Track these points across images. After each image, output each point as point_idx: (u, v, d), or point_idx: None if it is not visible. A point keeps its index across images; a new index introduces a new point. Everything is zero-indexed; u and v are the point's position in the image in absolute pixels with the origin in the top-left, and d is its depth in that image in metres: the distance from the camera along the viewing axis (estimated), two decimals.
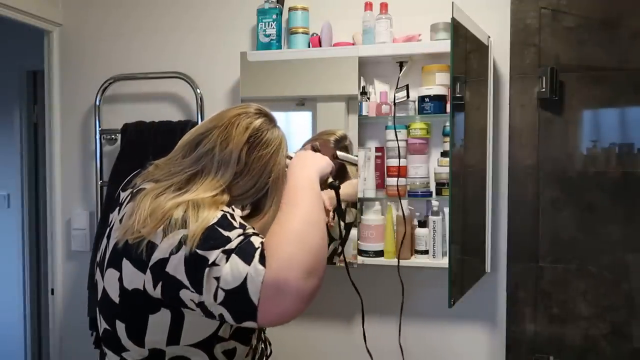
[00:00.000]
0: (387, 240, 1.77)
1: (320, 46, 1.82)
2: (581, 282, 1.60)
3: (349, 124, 1.78)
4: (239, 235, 0.85)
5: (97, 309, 1.00)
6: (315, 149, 1.22)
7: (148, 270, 0.87)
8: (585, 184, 1.61)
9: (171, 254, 0.84)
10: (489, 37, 1.71)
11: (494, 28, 1.71)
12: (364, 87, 1.81)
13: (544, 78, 1.58)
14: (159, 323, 0.91)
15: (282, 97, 1.88)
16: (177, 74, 2.00)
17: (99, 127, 2.09)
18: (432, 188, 1.78)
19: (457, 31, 1.47)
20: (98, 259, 1.02)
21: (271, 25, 1.83)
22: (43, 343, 2.97)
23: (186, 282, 0.83)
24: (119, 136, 2.06)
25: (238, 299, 0.81)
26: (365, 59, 1.77)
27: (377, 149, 1.83)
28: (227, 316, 0.84)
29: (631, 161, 1.59)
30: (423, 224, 1.76)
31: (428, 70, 1.74)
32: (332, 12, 1.87)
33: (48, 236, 2.22)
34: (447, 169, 1.69)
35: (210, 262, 0.82)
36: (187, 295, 0.85)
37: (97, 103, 2.07)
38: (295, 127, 1.86)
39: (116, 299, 0.93)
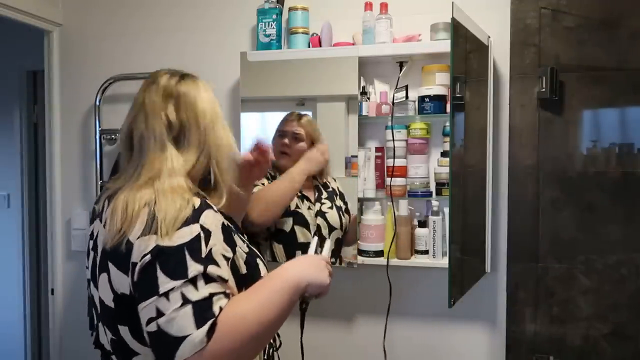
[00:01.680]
0: (387, 240, 1.77)
1: (320, 46, 1.82)
2: (581, 282, 1.60)
3: (349, 124, 1.78)
4: (204, 280, 0.85)
5: (100, 323, 0.98)
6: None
7: (129, 272, 0.88)
8: (585, 184, 1.61)
9: (140, 259, 0.86)
10: (489, 37, 1.71)
11: (494, 28, 1.71)
12: (364, 87, 1.81)
13: (544, 78, 1.58)
14: None
15: (282, 97, 1.88)
16: None
17: (99, 127, 2.09)
18: (432, 188, 1.78)
19: (457, 31, 1.47)
20: (89, 275, 1.00)
21: (271, 25, 1.83)
22: (43, 343, 2.97)
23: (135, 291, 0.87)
24: (119, 136, 2.06)
25: (163, 345, 0.83)
26: (365, 59, 1.77)
27: (377, 149, 1.83)
28: (148, 342, 0.87)
29: (631, 161, 1.59)
30: (423, 224, 1.76)
31: (428, 70, 1.74)
32: (332, 12, 1.87)
33: (48, 236, 2.22)
34: (447, 169, 1.69)
35: (161, 292, 0.83)
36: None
37: (97, 103, 2.07)
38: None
39: (111, 304, 0.92)
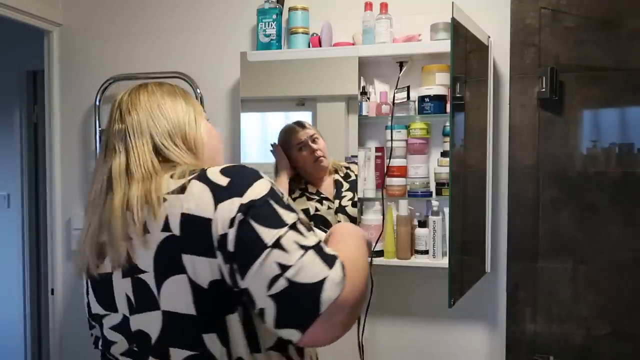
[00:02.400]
0: (387, 240, 1.77)
1: (320, 46, 1.82)
2: (581, 282, 1.60)
3: (349, 124, 1.78)
4: (304, 227, 0.78)
5: (156, 352, 0.82)
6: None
7: (217, 252, 0.76)
8: (585, 184, 1.61)
9: (230, 226, 0.75)
10: (489, 37, 1.71)
11: (494, 28, 1.71)
12: (364, 87, 1.81)
13: (544, 78, 1.58)
14: (239, 325, 0.79)
15: (282, 97, 1.88)
16: (178, 74, 2.00)
17: (99, 127, 2.09)
18: (432, 188, 1.78)
19: (457, 31, 1.47)
20: (122, 309, 0.84)
21: (271, 25, 1.83)
22: (43, 343, 2.97)
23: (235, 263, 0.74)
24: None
25: (301, 298, 0.72)
26: (365, 59, 1.77)
27: (377, 149, 1.83)
28: (269, 315, 0.73)
29: (631, 161, 1.59)
30: (423, 224, 1.76)
31: (428, 70, 1.74)
32: (332, 12, 1.87)
33: (48, 236, 2.22)
34: (447, 169, 1.69)
35: (270, 244, 0.73)
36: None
37: (97, 103, 2.07)
38: None
39: (191, 310, 0.78)
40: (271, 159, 1.82)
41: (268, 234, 0.74)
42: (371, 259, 1.09)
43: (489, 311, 1.80)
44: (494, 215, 1.76)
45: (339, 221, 1.76)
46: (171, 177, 0.83)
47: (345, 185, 1.79)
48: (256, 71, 1.83)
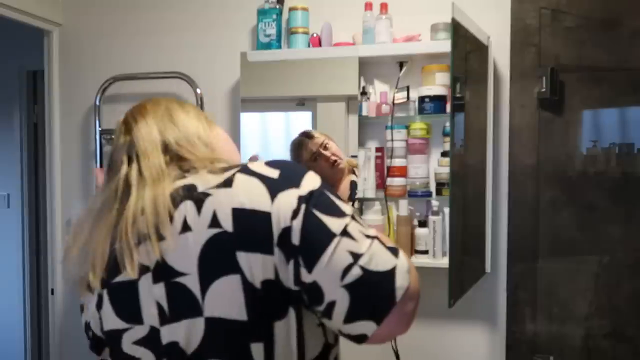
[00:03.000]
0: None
1: (320, 46, 1.82)
2: (581, 282, 1.60)
3: (349, 124, 1.78)
4: (356, 222, 0.74)
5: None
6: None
7: (276, 248, 0.70)
8: (585, 184, 1.61)
9: (293, 218, 0.70)
10: (489, 37, 1.71)
11: (494, 28, 1.71)
12: (364, 87, 1.81)
13: (544, 78, 1.58)
14: (286, 334, 0.73)
15: (282, 97, 1.88)
16: (177, 74, 2.00)
17: (99, 127, 2.09)
18: (432, 188, 1.78)
19: (457, 31, 1.47)
20: (150, 319, 0.76)
21: (271, 25, 1.83)
22: (43, 343, 2.97)
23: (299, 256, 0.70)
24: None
25: (377, 286, 0.69)
26: (365, 59, 1.77)
27: (377, 149, 1.83)
28: (341, 307, 0.69)
29: (631, 161, 1.59)
30: (423, 224, 1.76)
31: (428, 70, 1.74)
32: (332, 12, 1.87)
33: (48, 236, 2.22)
34: (447, 169, 1.69)
35: (339, 232, 0.70)
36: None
37: (97, 103, 2.07)
38: (295, 127, 1.85)
39: (243, 315, 0.71)
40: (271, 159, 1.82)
41: (334, 223, 0.71)
42: None
43: (489, 311, 1.80)
44: (494, 215, 1.76)
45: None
46: (209, 172, 0.77)
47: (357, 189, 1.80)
48: (256, 71, 1.83)
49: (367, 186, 1.80)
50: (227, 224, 0.71)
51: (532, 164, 1.63)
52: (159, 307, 0.74)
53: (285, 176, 0.74)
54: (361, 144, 1.82)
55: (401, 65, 1.78)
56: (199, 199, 0.74)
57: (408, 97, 1.74)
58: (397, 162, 1.78)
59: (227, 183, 0.74)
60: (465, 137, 1.60)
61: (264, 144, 1.87)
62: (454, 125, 1.54)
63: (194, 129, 0.88)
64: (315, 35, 1.83)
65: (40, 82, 2.52)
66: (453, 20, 1.44)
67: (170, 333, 0.74)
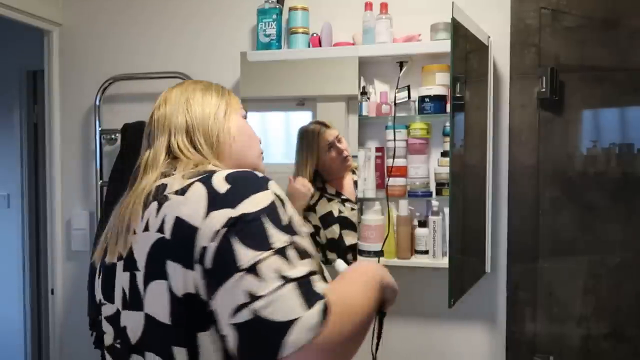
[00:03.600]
0: (387, 240, 1.77)
1: (320, 46, 1.82)
2: (581, 282, 1.60)
3: (349, 124, 1.78)
4: (298, 254, 0.70)
5: (141, 351, 0.78)
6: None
7: (196, 265, 0.71)
8: (585, 184, 1.61)
9: (212, 239, 0.70)
10: (489, 37, 1.71)
11: (494, 28, 1.71)
12: (364, 87, 1.81)
13: (544, 78, 1.59)
14: (211, 344, 0.73)
15: (282, 97, 1.88)
16: (177, 74, 2.00)
17: (99, 127, 2.09)
18: (432, 188, 1.78)
19: (457, 31, 1.47)
20: (117, 301, 0.82)
21: (271, 25, 1.83)
22: (43, 343, 2.97)
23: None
24: (119, 136, 2.06)
25: (263, 335, 0.65)
26: (365, 59, 1.77)
27: (377, 149, 1.83)
28: (231, 343, 0.67)
29: (631, 161, 1.59)
30: (423, 224, 1.76)
31: (428, 70, 1.74)
32: (332, 12, 1.87)
33: (48, 236, 2.22)
34: (447, 169, 1.69)
35: (243, 267, 0.67)
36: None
37: (97, 103, 2.07)
38: (295, 127, 1.85)
39: (167, 319, 0.74)
40: (271, 159, 1.82)
41: (245, 256, 0.67)
42: (382, 314, 0.98)
43: (489, 311, 1.80)
44: (494, 215, 1.76)
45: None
46: (183, 176, 0.80)
47: None
48: (256, 71, 1.83)
49: (367, 186, 1.80)
50: (168, 232, 0.74)
51: (532, 164, 1.63)
52: (123, 292, 0.80)
53: (230, 193, 0.73)
54: (361, 144, 1.82)
55: (401, 65, 1.78)
56: (160, 202, 0.77)
57: (409, 97, 1.74)
58: (397, 162, 1.77)
59: (183, 191, 0.76)
60: (465, 137, 1.60)
61: (264, 144, 1.85)
62: (454, 125, 1.54)
63: (204, 120, 0.93)
64: (315, 35, 1.83)
65: (40, 82, 2.52)
66: (453, 20, 1.44)
67: (125, 318, 0.80)
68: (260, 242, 0.68)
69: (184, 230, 0.72)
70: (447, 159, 1.68)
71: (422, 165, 1.78)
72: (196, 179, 0.77)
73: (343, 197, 1.77)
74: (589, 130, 1.63)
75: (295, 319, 0.64)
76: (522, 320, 1.65)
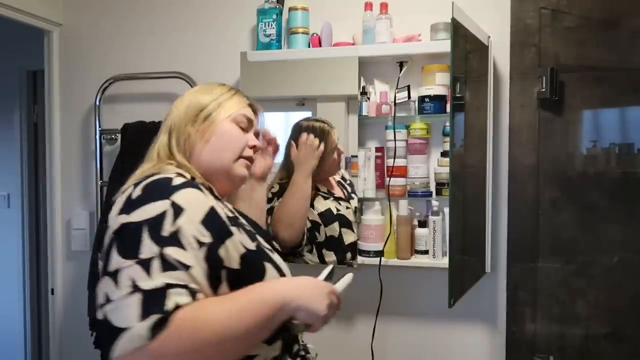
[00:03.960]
0: (388, 240, 1.77)
1: (320, 46, 1.82)
2: (581, 282, 1.60)
3: (349, 124, 1.78)
4: (162, 266, 0.75)
5: None
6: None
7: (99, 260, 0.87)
8: (585, 184, 1.61)
9: (106, 241, 0.83)
10: (489, 37, 1.71)
11: (494, 28, 1.71)
12: (364, 87, 1.81)
13: (544, 78, 1.58)
14: None
15: (282, 97, 1.87)
16: (177, 74, 2.00)
17: (99, 127, 2.09)
18: (432, 188, 1.78)
19: (457, 31, 1.47)
20: None
21: (271, 25, 1.83)
22: (43, 343, 2.97)
23: None
24: (119, 136, 2.06)
25: (104, 336, 0.73)
26: (365, 59, 1.77)
27: (377, 149, 1.83)
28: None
29: (631, 161, 1.59)
30: (423, 224, 1.76)
31: (428, 70, 1.74)
32: (332, 12, 1.87)
33: (48, 236, 2.22)
34: (447, 169, 1.69)
35: (108, 271, 0.76)
36: None
37: (97, 103, 2.07)
38: None
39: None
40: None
41: (115, 262, 0.76)
42: (285, 334, 0.93)
43: (489, 311, 1.80)
44: (494, 215, 1.76)
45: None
46: (133, 177, 0.91)
47: (349, 188, 1.80)
48: (256, 71, 1.83)
49: (367, 186, 1.80)
50: (109, 226, 0.83)
51: (532, 164, 1.63)
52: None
53: (137, 200, 0.82)
54: (361, 144, 1.82)
55: (401, 65, 1.78)
56: (114, 201, 0.87)
57: (409, 97, 1.74)
58: (397, 162, 1.77)
59: (122, 192, 0.87)
60: (465, 137, 1.60)
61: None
62: (454, 125, 1.54)
63: (181, 121, 1.00)
64: (315, 35, 1.83)
65: (40, 82, 2.52)
66: (453, 20, 1.44)
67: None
68: (130, 251, 0.76)
69: (103, 227, 0.84)
70: (447, 159, 1.68)
71: (422, 165, 1.78)
72: (134, 182, 0.87)
73: (335, 195, 1.77)
74: (589, 130, 1.63)
75: (127, 328, 0.70)
76: (522, 320, 1.65)
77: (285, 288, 0.87)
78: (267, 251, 0.97)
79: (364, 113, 1.80)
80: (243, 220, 0.98)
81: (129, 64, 2.09)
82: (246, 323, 0.79)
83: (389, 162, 1.79)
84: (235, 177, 1.02)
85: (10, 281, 3.00)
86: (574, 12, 1.59)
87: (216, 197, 0.94)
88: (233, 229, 0.89)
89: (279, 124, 1.86)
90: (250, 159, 1.06)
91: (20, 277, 3.00)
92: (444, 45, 1.58)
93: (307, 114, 1.83)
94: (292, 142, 1.71)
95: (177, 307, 0.73)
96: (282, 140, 1.89)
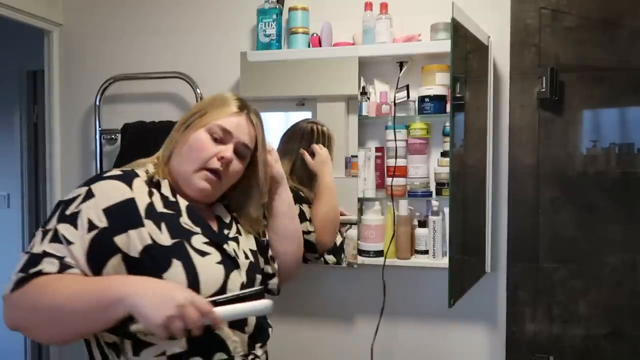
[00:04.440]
0: (386, 240, 1.77)
1: (320, 46, 1.82)
2: (581, 282, 1.60)
3: (349, 124, 1.78)
4: (52, 237, 0.95)
5: None
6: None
7: None
8: (585, 184, 1.61)
9: None
10: (489, 37, 1.71)
11: (494, 28, 1.71)
12: (364, 87, 1.81)
13: (544, 78, 1.58)
14: None
15: (282, 97, 1.87)
16: (178, 74, 2.00)
17: (99, 127, 2.09)
18: (432, 188, 1.78)
19: (457, 31, 1.47)
20: None
21: (271, 25, 1.83)
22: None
23: None
24: (119, 136, 2.06)
25: None
26: (365, 59, 1.77)
27: (377, 149, 1.83)
28: None
29: (631, 161, 1.59)
30: (423, 224, 1.76)
31: (428, 70, 1.74)
32: (332, 12, 1.87)
33: None
34: (447, 169, 1.69)
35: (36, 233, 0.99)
36: None
37: (97, 103, 2.07)
38: None
39: None
40: None
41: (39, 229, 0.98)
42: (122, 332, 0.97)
43: (489, 311, 1.80)
44: (494, 215, 1.76)
45: None
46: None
47: None
48: (256, 71, 1.83)
49: (367, 186, 1.80)
50: None
51: (532, 164, 1.63)
52: None
53: (77, 186, 1.01)
54: (361, 144, 1.82)
55: (401, 65, 1.78)
56: None
57: (408, 96, 1.74)
58: (397, 162, 1.77)
59: None
60: (465, 137, 1.60)
61: None
62: (454, 125, 1.54)
63: (174, 129, 1.12)
64: (315, 35, 1.83)
65: (40, 82, 2.52)
66: (453, 20, 1.44)
67: None
68: (46, 221, 0.97)
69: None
70: (447, 159, 1.69)
71: (422, 165, 1.78)
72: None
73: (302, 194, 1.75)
74: (589, 130, 1.63)
75: (9, 278, 0.92)
76: (522, 320, 1.65)
77: (132, 285, 0.90)
78: (191, 251, 1.00)
79: (364, 113, 1.80)
80: (186, 219, 1.03)
81: (129, 64, 2.09)
82: (78, 305, 0.89)
83: (389, 162, 1.79)
84: (193, 187, 1.05)
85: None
86: (574, 12, 1.59)
87: (162, 195, 1.04)
88: (147, 221, 0.97)
89: (279, 124, 1.86)
90: (215, 171, 1.06)
91: None
92: (444, 45, 1.58)
93: (307, 114, 1.84)
94: (304, 151, 1.73)
95: (41, 273, 0.90)
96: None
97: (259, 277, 1.14)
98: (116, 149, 2.07)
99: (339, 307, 1.90)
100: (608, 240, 1.58)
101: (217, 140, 1.07)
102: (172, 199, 1.05)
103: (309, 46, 1.83)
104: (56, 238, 0.94)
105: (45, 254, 0.93)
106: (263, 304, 0.99)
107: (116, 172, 1.03)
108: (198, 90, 1.97)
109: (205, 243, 1.03)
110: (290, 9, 1.84)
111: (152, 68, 2.06)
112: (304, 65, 1.80)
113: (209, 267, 1.01)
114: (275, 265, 1.27)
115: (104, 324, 0.90)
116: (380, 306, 1.78)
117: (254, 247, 1.18)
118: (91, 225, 0.94)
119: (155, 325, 0.85)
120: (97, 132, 2.09)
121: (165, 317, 0.84)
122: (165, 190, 1.05)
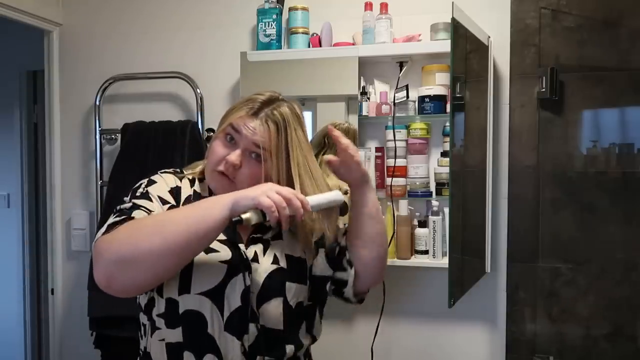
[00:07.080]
0: (391, 240, 1.77)
1: (320, 46, 1.82)
2: (581, 282, 1.60)
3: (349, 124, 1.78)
4: (131, 203, 1.01)
5: None
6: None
7: None
8: (585, 184, 1.61)
9: None
10: (489, 37, 1.71)
11: (494, 28, 1.71)
12: (364, 87, 1.81)
13: (544, 78, 1.59)
14: None
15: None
16: (177, 74, 2.00)
17: (99, 127, 2.09)
18: (432, 188, 1.78)
19: (457, 31, 1.47)
20: None
21: (271, 25, 1.83)
22: (43, 343, 2.97)
23: None
24: (119, 136, 2.06)
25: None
26: (365, 59, 1.77)
27: (377, 149, 1.83)
28: None
29: (631, 161, 1.59)
30: (423, 224, 1.76)
31: (428, 70, 1.74)
32: (332, 12, 1.87)
33: (48, 236, 2.22)
34: (447, 169, 1.69)
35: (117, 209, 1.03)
36: None
37: (97, 103, 2.07)
38: None
39: None
40: None
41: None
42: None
43: (489, 311, 1.80)
44: (494, 215, 1.76)
45: None
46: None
47: None
48: (256, 71, 1.83)
49: None
50: None
51: (532, 164, 1.63)
52: None
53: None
54: (361, 144, 1.82)
55: (401, 65, 1.78)
56: None
57: (407, 96, 1.74)
58: (397, 162, 1.77)
59: None
60: (465, 137, 1.61)
61: None
62: (454, 125, 1.54)
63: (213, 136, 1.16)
64: (315, 35, 1.83)
65: (40, 82, 2.52)
66: (453, 20, 1.44)
67: None
68: (129, 197, 1.04)
69: None
70: (447, 159, 1.69)
71: (422, 165, 1.78)
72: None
73: None
74: (589, 130, 1.63)
75: (104, 226, 0.96)
76: (522, 320, 1.65)
77: (224, 195, 0.98)
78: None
79: (364, 113, 1.80)
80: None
81: (129, 63, 2.09)
82: (183, 211, 0.97)
83: (389, 162, 1.79)
84: (211, 187, 1.10)
85: (10, 281, 3.00)
86: (574, 12, 1.59)
87: (195, 191, 1.11)
88: (156, 204, 1.07)
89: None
90: (224, 174, 1.05)
91: (20, 277, 3.00)
92: (444, 45, 1.58)
93: (307, 114, 1.84)
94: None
95: (132, 218, 0.96)
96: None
97: (292, 285, 1.07)
98: (116, 149, 2.07)
99: (339, 307, 1.90)
100: (608, 240, 1.58)
101: (232, 141, 1.06)
102: (205, 195, 1.10)
103: (309, 46, 1.83)
104: (136, 207, 0.99)
105: (134, 206, 0.99)
106: (336, 193, 1.04)
107: (170, 170, 1.14)
108: (198, 90, 1.97)
109: (220, 241, 1.03)
110: (290, 9, 1.84)
111: (152, 68, 2.06)
112: (304, 65, 1.80)
113: (207, 264, 1.01)
114: (352, 272, 1.15)
115: (213, 222, 0.91)
116: (380, 306, 1.78)
117: (298, 254, 1.10)
118: (163, 201, 1.04)
119: (258, 193, 0.92)
120: (97, 132, 2.09)
121: (262, 194, 0.92)
122: (198, 187, 1.12)
